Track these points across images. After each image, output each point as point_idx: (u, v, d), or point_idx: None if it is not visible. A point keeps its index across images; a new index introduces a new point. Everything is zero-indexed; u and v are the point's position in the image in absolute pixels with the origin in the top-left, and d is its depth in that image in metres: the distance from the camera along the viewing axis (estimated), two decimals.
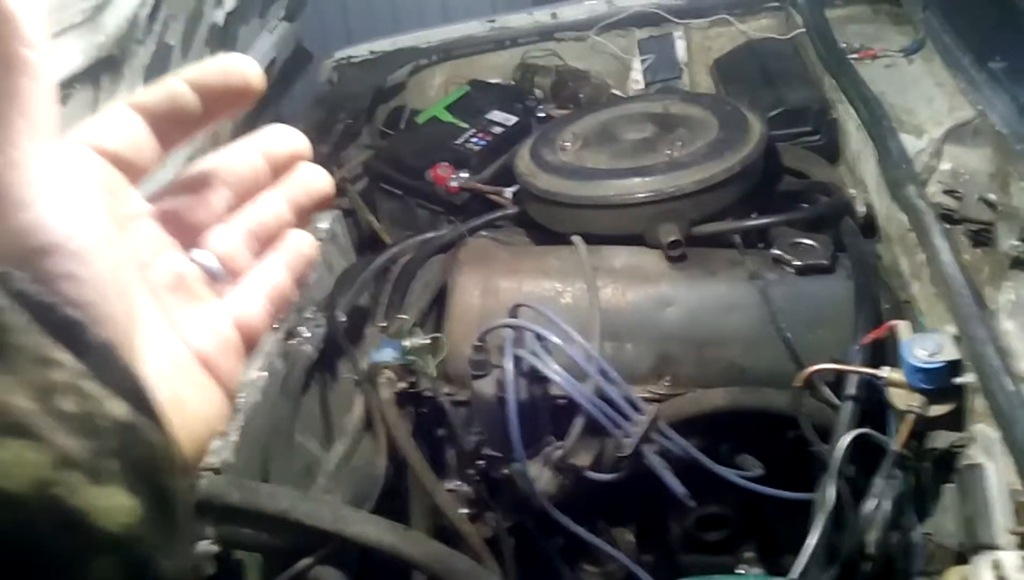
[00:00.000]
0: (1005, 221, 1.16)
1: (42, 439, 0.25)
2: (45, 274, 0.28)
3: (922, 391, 1.05)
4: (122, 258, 0.33)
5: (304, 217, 0.43)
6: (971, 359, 1.01)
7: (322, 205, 0.44)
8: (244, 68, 0.39)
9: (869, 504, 1.02)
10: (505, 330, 1.15)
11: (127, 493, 0.26)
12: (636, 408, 1.15)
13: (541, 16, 1.94)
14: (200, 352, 0.37)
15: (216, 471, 1.09)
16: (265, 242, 0.41)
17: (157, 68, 1.28)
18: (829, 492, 1.10)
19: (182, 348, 0.36)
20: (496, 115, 1.76)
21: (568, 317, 1.21)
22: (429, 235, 1.49)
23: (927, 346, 1.04)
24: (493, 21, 1.96)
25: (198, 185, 0.40)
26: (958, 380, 1.03)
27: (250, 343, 0.40)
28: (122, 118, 0.37)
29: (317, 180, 0.43)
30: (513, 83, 1.91)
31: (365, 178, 1.77)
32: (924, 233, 1.17)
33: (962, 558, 0.95)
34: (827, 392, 1.20)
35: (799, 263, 1.27)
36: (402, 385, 1.25)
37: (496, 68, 1.94)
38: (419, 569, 1.05)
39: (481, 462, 1.22)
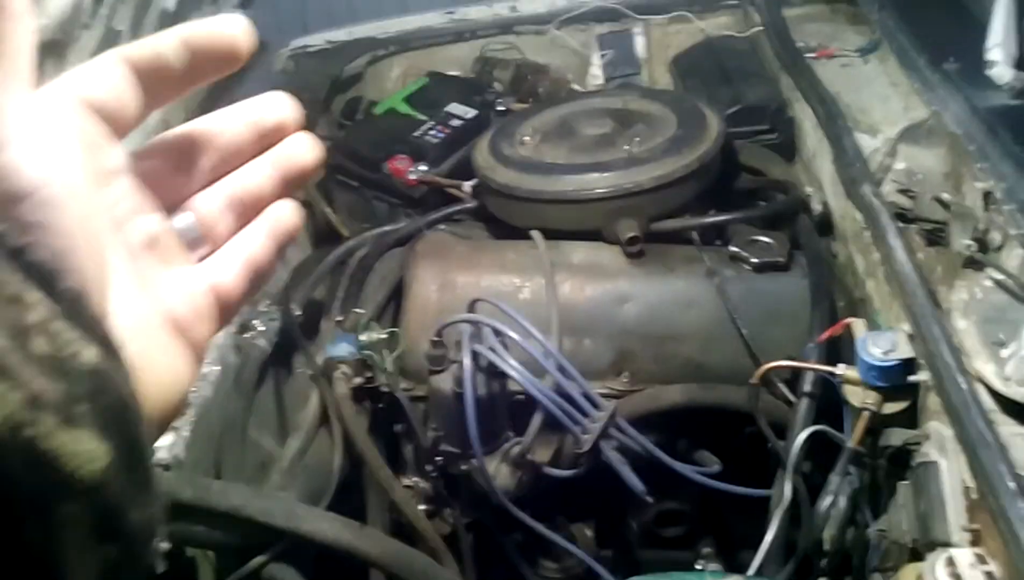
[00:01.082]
0: (958, 221, 1.17)
1: (15, 379, 0.24)
2: (15, 220, 0.28)
3: (877, 388, 1.06)
4: (95, 211, 0.32)
5: (291, 187, 0.42)
6: (925, 357, 1.03)
7: (309, 175, 0.43)
8: (233, 30, 0.38)
9: (825, 501, 1.03)
10: (463, 325, 1.13)
11: (98, 439, 0.26)
12: (594, 404, 1.15)
13: (501, 9, 1.93)
14: (171, 314, 0.36)
15: (167, 467, 1.06)
16: (248, 210, 0.41)
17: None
18: (785, 488, 1.11)
19: (151, 309, 0.35)
20: (455, 108, 1.74)
21: (526, 312, 1.20)
22: (386, 228, 1.47)
23: (881, 344, 1.05)
24: (452, 12, 1.94)
25: (183, 146, 0.39)
26: (912, 378, 1.04)
27: (226, 311, 0.39)
28: (109, 69, 0.36)
29: (305, 150, 0.42)
30: (472, 76, 1.89)
31: (321, 170, 1.74)
32: (879, 232, 1.18)
33: (916, 554, 0.96)
34: (784, 389, 1.21)
35: (756, 260, 1.28)
36: (358, 380, 1.23)
37: (455, 60, 1.92)
38: (375, 567, 1.03)
39: (439, 458, 1.21)
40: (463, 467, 1.20)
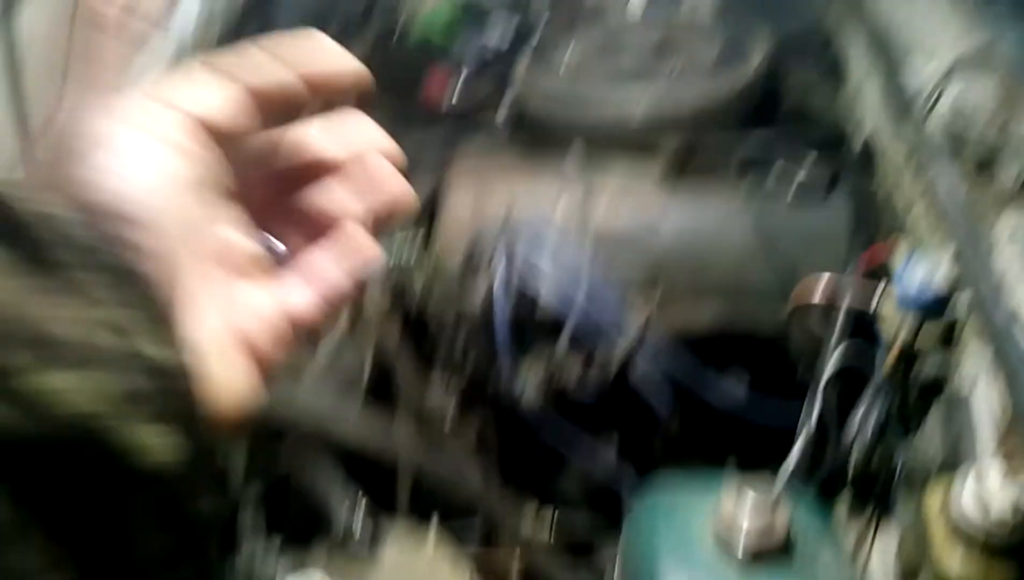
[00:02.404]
0: (1008, 153, 1.14)
1: (91, 372, 0.26)
2: (100, 226, 0.29)
3: (913, 315, 1.04)
4: (177, 225, 0.33)
5: (380, 225, 0.42)
6: (967, 282, 1.01)
7: (400, 218, 0.44)
8: (355, 69, 0.40)
9: (854, 423, 1.02)
10: (497, 236, 1.13)
11: (165, 433, 0.27)
12: (624, 323, 1.14)
13: None
14: (243, 333, 0.36)
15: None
16: (332, 238, 0.41)
17: None
18: (813, 411, 1.11)
19: (224, 324, 0.36)
20: (493, 30, 1.71)
21: (560, 231, 1.19)
22: (421, 150, 1.46)
23: (922, 270, 1.03)
24: None
25: (288, 174, 0.40)
26: (951, 305, 1.02)
27: (298, 332, 0.39)
28: (229, 93, 0.37)
29: (400, 193, 0.42)
30: (510, 1, 1.85)
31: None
32: (925, 161, 1.16)
33: (942, 478, 0.95)
34: (818, 316, 1.20)
35: (797, 188, 1.26)
36: (390, 289, 1.23)
37: None
38: (402, 471, 1.04)
39: (468, 372, 1.21)
40: (491, 379, 1.20)
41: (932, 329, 1.05)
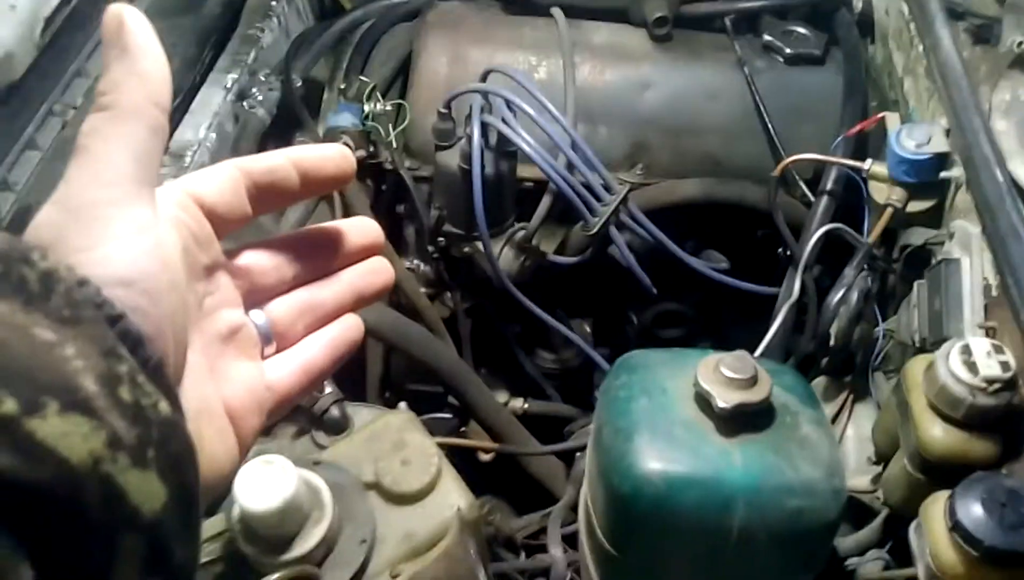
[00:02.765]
0: (1012, 16, 1.09)
1: (101, 419, 0.28)
2: (117, 298, 0.31)
3: (904, 185, 1.01)
4: (185, 303, 0.36)
5: (361, 305, 0.45)
6: (960, 152, 0.97)
7: (382, 295, 0.47)
8: (338, 157, 0.43)
9: (836, 295, 1.00)
10: (473, 96, 1.06)
11: (159, 481, 0.29)
12: (607, 189, 1.10)
13: None
14: (229, 403, 0.39)
15: None
16: (319, 320, 0.44)
17: None
18: (795, 284, 1.08)
19: (215, 394, 0.38)
20: None
21: (542, 92, 1.13)
22: (395, 0, 1.38)
23: (916, 136, 0.99)
24: None
25: (277, 251, 0.43)
26: (944, 174, 0.99)
27: (276, 408, 0.42)
28: (226, 176, 0.40)
29: (382, 274, 0.46)
30: None
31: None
32: (926, 22, 1.10)
33: (923, 354, 0.94)
34: (804, 188, 1.17)
35: (790, 51, 1.20)
36: (360, 153, 1.17)
37: None
38: (372, 335, 1.01)
39: (441, 239, 1.17)
40: (465, 249, 1.16)
41: (922, 199, 1.02)
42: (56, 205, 0.33)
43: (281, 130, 1.31)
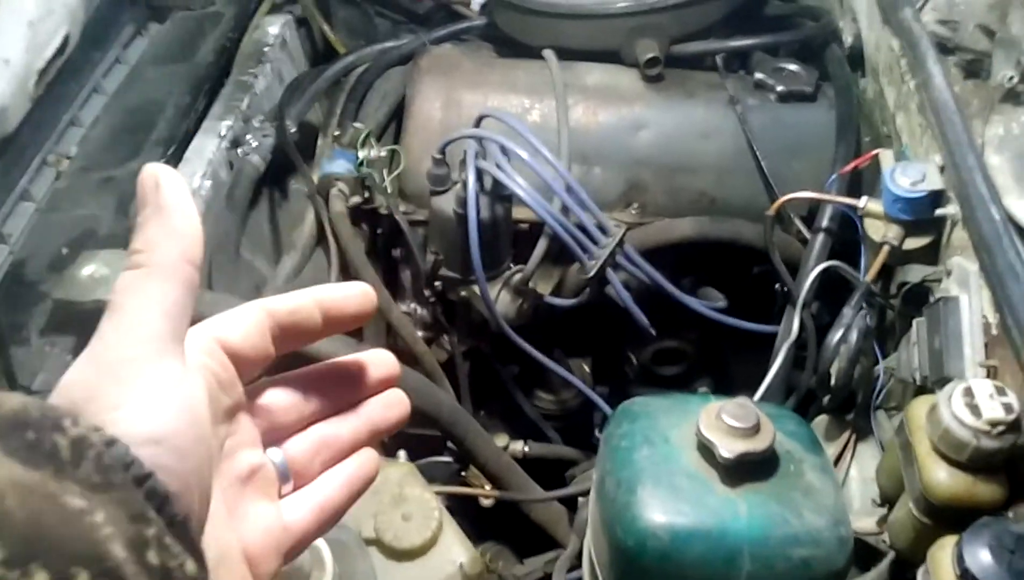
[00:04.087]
0: (1001, 50, 1.09)
1: None
2: (144, 457, 0.31)
3: (900, 222, 1.01)
4: (211, 456, 0.36)
5: (376, 438, 0.45)
6: (955, 189, 0.97)
7: (398, 429, 0.47)
8: (360, 297, 0.43)
9: (835, 334, 0.99)
10: (468, 141, 1.07)
11: None
12: (603, 230, 1.09)
13: None
14: (248, 547, 0.39)
15: None
16: (335, 456, 0.44)
17: None
18: (793, 323, 1.08)
19: (233, 539, 0.38)
20: None
21: (535, 135, 1.13)
22: (388, 44, 1.38)
23: (911, 174, 0.99)
24: None
25: (296, 388, 0.43)
26: (940, 211, 0.99)
27: (293, 545, 0.41)
28: (250, 319, 0.40)
29: (398, 407, 0.46)
30: None
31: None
32: (917, 58, 1.10)
33: (924, 392, 0.93)
34: (799, 225, 1.17)
35: (781, 89, 1.21)
36: (356, 199, 1.17)
37: None
38: None
39: (438, 283, 1.17)
40: (462, 293, 1.16)
41: (918, 236, 1.02)
42: (88, 362, 0.34)
43: (276, 177, 1.31)
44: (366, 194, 1.19)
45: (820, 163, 1.16)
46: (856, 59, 1.33)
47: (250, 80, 1.32)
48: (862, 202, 1.04)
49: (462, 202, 1.07)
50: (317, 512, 0.42)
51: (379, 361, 0.46)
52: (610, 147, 1.21)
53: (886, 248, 1.01)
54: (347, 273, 1.15)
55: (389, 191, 1.21)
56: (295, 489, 0.43)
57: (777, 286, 1.18)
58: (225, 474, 0.39)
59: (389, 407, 0.46)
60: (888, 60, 1.22)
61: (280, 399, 0.43)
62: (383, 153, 1.19)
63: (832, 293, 1.11)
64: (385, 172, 1.21)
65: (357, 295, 0.43)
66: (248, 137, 1.26)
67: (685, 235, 1.18)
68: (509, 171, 1.04)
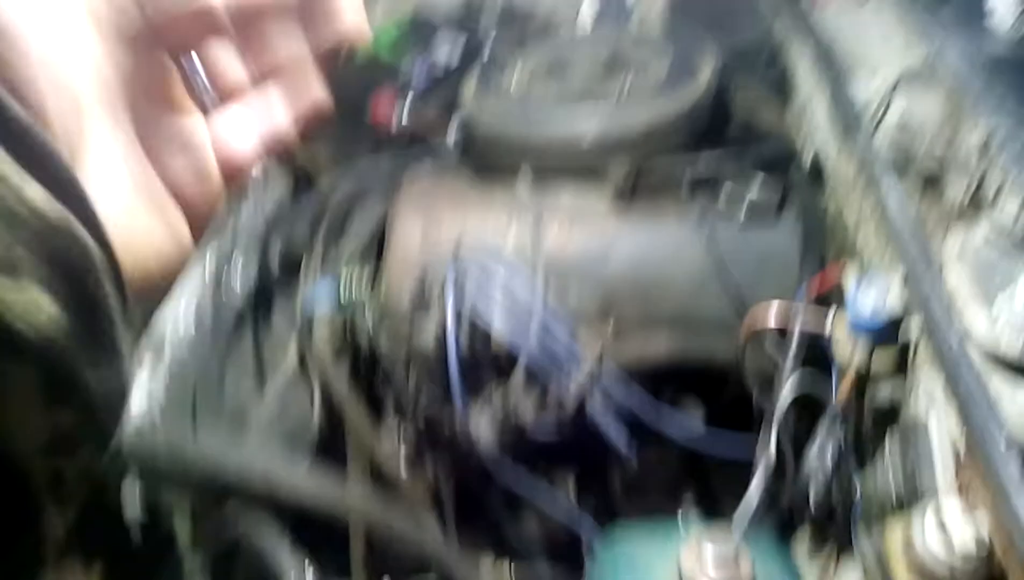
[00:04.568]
0: (954, 168, 1.14)
1: None
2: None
3: (866, 341, 1.04)
4: (80, 66, 0.30)
5: (326, 63, 0.39)
6: (916, 308, 1.00)
7: (346, 55, 0.41)
8: None
9: (811, 455, 1.01)
10: (446, 270, 1.10)
11: (47, 294, 0.23)
12: (579, 354, 1.12)
13: None
14: (175, 179, 0.34)
15: (139, 423, 1.03)
16: (272, 75, 0.38)
17: None
18: (769, 446, 1.10)
19: (150, 172, 0.33)
20: (440, 50, 1.69)
21: (513, 255, 1.17)
22: (367, 171, 1.43)
23: (872, 295, 1.03)
24: None
25: (232, 16, 0.36)
26: (903, 330, 1.02)
27: (231, 177, 0.37)
28: None
29: (346, 23, 0.39)
30: (459, 17, 1.82)
31: None
32: (872, 178, 1.15)
33: (902, 508, 0.95)
34: (771, 341, 1.19)
35: (746, 209, 1.25)
36: (337, 328, 1.20)
37: (441, 1, 1.85)
38: (354, 531, 1.01)
39: (421, 410, 1.18)
40: (445, 418, 1.17)
41: (885, 354, 1.05)
42: None
43: (259, 306, 1.33)
44: (348, 322, 1.22)
45: (788, 279, 1.19)
46: (818, 173, 1.38)
47: (232, 209, 1.36)
48: (828, 321, 1.07)
49: (442, 329, 1.10)
50: (258, 139, 0.38)
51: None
52: (585, 266, 1.25)
53: (854, 366, 1.04)
54: (331, 403, 1.17)
55: (372, 318, 1.24)
56: (225, 105, 0.37)
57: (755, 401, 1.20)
58: (132, 98, 0.33)
59: (340, 26, 0.40)
60: (847, 177, 1.27)
61: (197, 11, 0.36)
62: (365, 279, 1.22)
63: (810, 406, 1.13)
64: (367, 297, 1.23)
65: None
66: (231, 268, 1.29)
67: (660, 356, 1.20)
68: (485, 301, 1.07)
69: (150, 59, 0.34)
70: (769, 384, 1.13)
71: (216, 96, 0.37)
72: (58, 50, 0.28)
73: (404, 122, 1.54)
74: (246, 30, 0.37)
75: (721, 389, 1.21)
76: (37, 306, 0.23)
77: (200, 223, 0.35)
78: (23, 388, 0.23)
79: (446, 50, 1.68)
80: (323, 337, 1.18)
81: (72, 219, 0.25)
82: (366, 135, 1.60)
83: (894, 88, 1.31)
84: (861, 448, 1.10)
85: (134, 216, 0.31)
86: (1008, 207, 1.09)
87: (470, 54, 1.68)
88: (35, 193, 0.24)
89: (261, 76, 0.38)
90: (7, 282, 0.22)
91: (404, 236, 1.26)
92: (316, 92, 0.39)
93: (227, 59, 0.37)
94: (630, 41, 1.53)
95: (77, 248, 0.25)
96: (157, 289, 0.33)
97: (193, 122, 0.35)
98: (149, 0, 0.34)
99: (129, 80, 0.33)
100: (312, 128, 0.39)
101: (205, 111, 0.36)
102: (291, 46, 0.38)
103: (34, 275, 0.23)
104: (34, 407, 0.23)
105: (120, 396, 0.27)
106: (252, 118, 0.37)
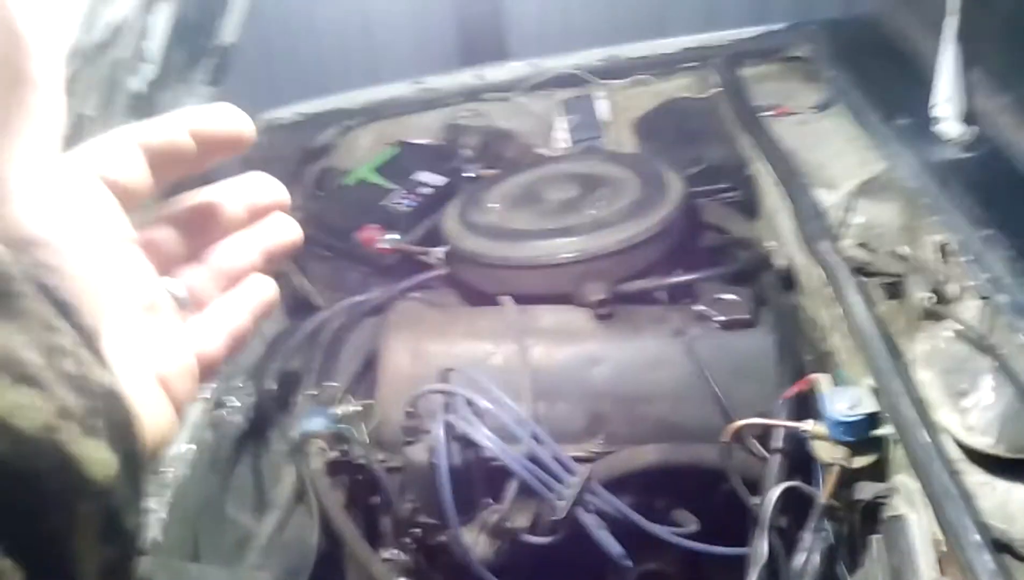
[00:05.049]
0: (915, 273, 1.20)
1: (48, 390, 0.28)
2: (40, 262, 0.32)
3: (844, 443, 1.07)
4: (99, 268, 0.36)
5: (272, 263, 0.46)
6: (888, 411, 1.04)
7: (290, 253, 0.47)
8: (237, 119, 0.43)
9: (799, 557, 1.04)
10: (435, 395, 1.14)
11: (109, 449, 0.29)
12: (568, 470, 1.15)
13: (467, 77, 1.97)
14: (159, 370, 0.39)
15: (142, 552, 1.05)
16: (232, 283, 0.44)
17: (74, 139, 1.25)
18: (761, 546, 1.12)
19: (142, 362, 0.38)
20: (424, 176, 1.77)
21: (499, 378, 1.21)
22: (359, 298, 1.49)
23: (846, 400, 1.07)
24: (421, 82, 1.98)
25: (182, 220, 0.43)
26: (878, 432, 1.05)
27: (206, 373, 0.42)
28: (124, 149, 0.40)
29: (289, 230, 0.46)
30: (441, 143, 1.92)
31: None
32: (838, 287, 1.21)
33: None
34: (755, 445, 1.22)
35: (722, 318, 1.30)
36: (333, 454, 1.23)
37: (424, 128, 1.96)
38: None
39: (416, 530, 1.21)
40: (441, 538, 1.19)
41: (863, 456, 1.08)
42: None
43: (257, 432, 1.37)
44: (343, 447, 1.25)
45: (767, 384, 1.23)
46: (790, 280, 1.44)
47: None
48: (808, 425, 1.11)
49: (433, 453, 1.13)
50: (226, 338, 0.42)
51: (266, 187, 0.46)
52: (570, 383, 1.29)
53: (835, 468, 1.07)
54: (329, 527, 1.19)
55: (365, 442, 1.27)
56: (198, 315, 0.42)
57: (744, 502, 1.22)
58: (124, 303, 0.38)
59: (282, 230, 0.45)
60: (816, 284, 1.33)
61: (170, 234, 0.42)
62: (358, 407, 1.26)
63: (797, 504, 1.15)
64: (360, 424, 1.27)
65: (226, 117, 0.42)
66: (230, 398, 1.33)
67: (649, 463, 1.23)
68: (475, 423, 1.11)
69: (142, 278, 0.40)
70: (756, 483, 1.16)
71: (193, 307, 0.42)
72: (86, 255, 0.35)
73: (390, 249, 1.60)
74: (210, 243, 0.44)
75: (711, 491, 1.23)
76: (104, 460, 0.29)
77: (180, 411, 0.40)
78: (88, 525, 0.29)
79: (429, 177, 1.76)
80: (319, 463, 1.21)
81: (123, 393, 0.32)
82: (356, 256, 1.66)
83: (854, 196, 1.38)
84: (850, 545, 1.12)
85: (139, 399, 0.37)
86: (970, 306, 1.15)
87: (452, 180, 1.76)
88: (105, 376, 0.31)
89: (223, 282, 0.44)
90: (88, 441, 0.28)
91: (393, 364, 1.31)
92: (270, 292, 0.45)
93: (200, 275, 0.43)
94: (602, 159, 1.62)
95: (129, 416, 0.31)
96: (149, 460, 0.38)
97: (176, 333, 0.40)
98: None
99: (116, 281, 0.39)
100: (267, 317, 0.45)
101: (184, 319, 0.42)
102: (246, 255, 0.44)
103: (103, 436, 0.29)
104: (93, 542, 0.29)
105: (141, 534, 0.32)
106: (222, 322, 0.43)
